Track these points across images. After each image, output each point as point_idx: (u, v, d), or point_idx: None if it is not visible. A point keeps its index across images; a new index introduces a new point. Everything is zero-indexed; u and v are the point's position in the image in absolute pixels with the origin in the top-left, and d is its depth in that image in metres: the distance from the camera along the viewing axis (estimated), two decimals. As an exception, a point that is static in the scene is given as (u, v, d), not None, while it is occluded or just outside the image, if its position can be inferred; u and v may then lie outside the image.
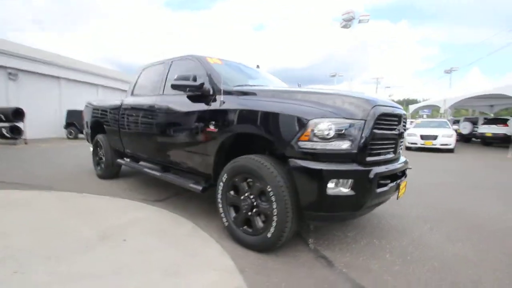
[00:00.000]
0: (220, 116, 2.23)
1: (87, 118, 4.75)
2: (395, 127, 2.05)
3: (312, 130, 1.72)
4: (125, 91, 23.10)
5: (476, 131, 13.29)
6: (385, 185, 1.90)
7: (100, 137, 4.23)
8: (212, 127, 2.26)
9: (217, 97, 2.33)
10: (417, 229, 2.56)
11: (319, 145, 1.72)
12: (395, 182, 2.00)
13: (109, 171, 4.18)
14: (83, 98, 7.95)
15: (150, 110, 3.06)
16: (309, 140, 1.73)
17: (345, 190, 1.70)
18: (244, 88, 2.35)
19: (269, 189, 1.84)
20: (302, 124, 1.75)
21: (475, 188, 4.27)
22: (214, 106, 2.30)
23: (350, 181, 1.70)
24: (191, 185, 2.53)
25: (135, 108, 3.36)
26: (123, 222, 2.53)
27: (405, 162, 2.30)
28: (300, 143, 1.74)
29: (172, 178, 2.82)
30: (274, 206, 1.82)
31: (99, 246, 2.06)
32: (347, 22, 17.54)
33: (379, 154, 1.91)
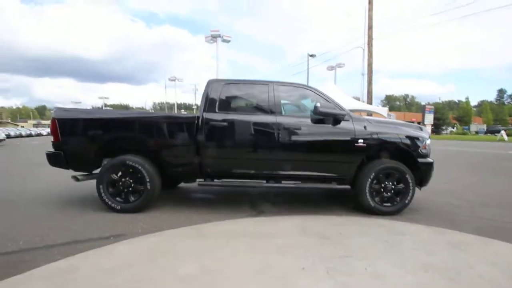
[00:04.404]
0: (368, 136, 3.34)
1: (80, 133, 3.34)
2: None
3: (426, 144, 3.46)
4: None
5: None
6: None
7: (132, 159, 3.27)
8: (361, 143, 3.32)
9: (353, 123, 3.41)
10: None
11: (426, 151, 3.49)
12: None
13: (151, 200, 3.38)
14: None
15: (272, 128, 3.32)
16: (425, 149, 3.46)
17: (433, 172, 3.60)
18: (370, 118, 3.61)
19: (407, 177, 3.34)
20: (423, 140, 3.44)
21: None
22: (357, 127, 3.35)
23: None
24: (338, 185, 3.38)
25: (240, 126, 3.34)
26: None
27: None
28: (422, 150, 3.43)
29: (308, 185, 3.42)
30: (410, 186, 3.35)
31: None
32: (213, 38, 19.78)
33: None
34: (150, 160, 3.34)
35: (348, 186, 3.47)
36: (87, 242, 2.48)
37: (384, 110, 18.17)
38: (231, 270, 2.04)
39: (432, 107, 40.08)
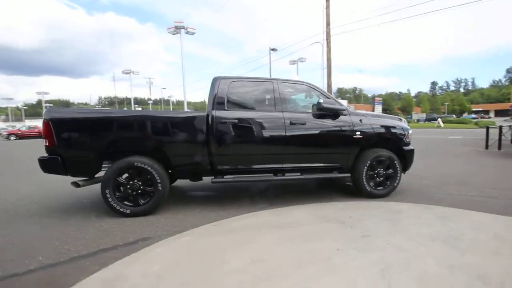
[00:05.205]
0: (363, 128, 3.71)
1: (81, 135, 3.10)
2: None
3: (409, 133, 3.97)
4: None
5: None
6: None
7: (141, 160, 3.16)
8: (358, 135, 3.68)
9: (350, 117, 3.74)
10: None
11: (409, 140, 4.00)
12: None
13: (161, 202, 3.31)
14: None
15: (281, 124, 3.48)
16: (407, 138, 3.96)
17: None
18: (363, 112, 3.97)
19: (396, 163, 3.82)
20: (407, 130, 3.94)
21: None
22: (355, 121, 3.70)
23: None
24: (339, 174, 3.71)
25: (249, 122, 3.41)
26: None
27: None
28: (406, 139, 3.93)
29: (313, 176, 3.70)
30: (398, 171, 3.84)
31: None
32: (177, 30, 18.63)
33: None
34: (158, 160, 3.26)
35: (348, 174, 3.83)
36: (114, 249, 2.39)
37: (344, 102, 19.60)
38: (275, 259, 2.19)
39: (381, 99, 44.25)
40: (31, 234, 2.81)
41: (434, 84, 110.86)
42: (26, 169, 7.14)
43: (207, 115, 3.36)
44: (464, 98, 71.78)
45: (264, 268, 2.04)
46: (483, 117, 49.44)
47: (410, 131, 4.06)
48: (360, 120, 3.77)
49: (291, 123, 3.53)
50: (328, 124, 3.66)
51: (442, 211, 3.28)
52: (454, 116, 47.71)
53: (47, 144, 3.04)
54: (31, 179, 5.74)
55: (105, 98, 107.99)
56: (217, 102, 3.43)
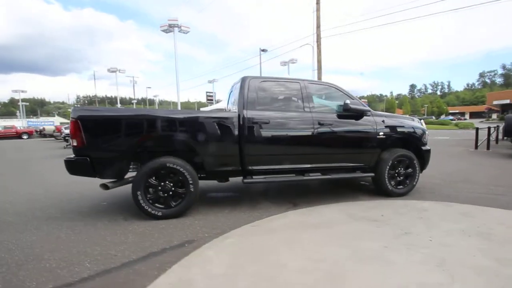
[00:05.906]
0: (386, 128, 3.84)
1: (112, 135, 2.99)
2: None
3: (426, 134, 4.14)
4: None
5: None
6: None
7: (173, 161, 3.09)
8: (382, 135, 3.79)
9: (373, 117, 3.85)
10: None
11: (426, 140, 4.18)
12: None
13: (193, 203, 3.26)
14: None
15: (310, 124, 3.53)
16: (425, 138, 4.13)
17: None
18: (384, 113, 4.10)
19: (415, 162, 3.97)
20: (425, 131, 4.11)
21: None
22: (378, 121, 3.82)
23: (429, 152, 4.35)
24: (363, 173, 3.82)
25: (280, 122, 3.45)
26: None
27: None
28: (424, 140, 4.09)
29: (338, 176, 3.75)
30: (417, 170, 3.99)
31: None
32: (170, 28, 18.15)
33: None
34: (189, 161, 3.20)
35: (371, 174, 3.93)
36: (163, 253, 2.33)
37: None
38: (331, 257, 2.22)
39: (366, 100, 45.68)
40: (61, 239, 2.67)
41: (413, 87, 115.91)
42: (22, 171, 6.74)
43: (239, 115, 3.35)
44: (442, 101, 75.55)
45: (325, 266, 2.07)
46: (460, 119, 52.26)
47: (427, 132, 4.25)
48: (383, 121, 3.89)
49: (319, 123, 3.59)
50: (354, 124, 3.75)
51: (462, 208, 3.45)
52: (434, 117, 50.07)
53: (75, 144, 2.91)
54: (34, 181, 5.44)
55: (83, 97, 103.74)
56: (248, 102, 3.41)
